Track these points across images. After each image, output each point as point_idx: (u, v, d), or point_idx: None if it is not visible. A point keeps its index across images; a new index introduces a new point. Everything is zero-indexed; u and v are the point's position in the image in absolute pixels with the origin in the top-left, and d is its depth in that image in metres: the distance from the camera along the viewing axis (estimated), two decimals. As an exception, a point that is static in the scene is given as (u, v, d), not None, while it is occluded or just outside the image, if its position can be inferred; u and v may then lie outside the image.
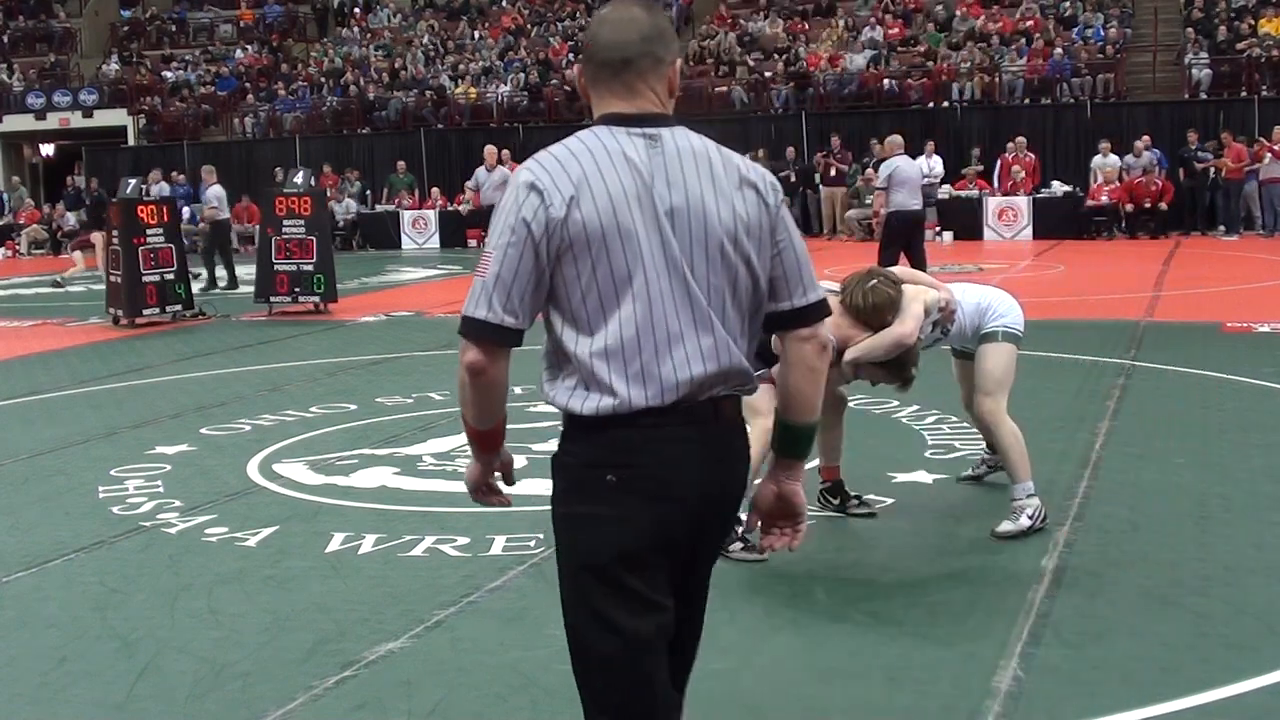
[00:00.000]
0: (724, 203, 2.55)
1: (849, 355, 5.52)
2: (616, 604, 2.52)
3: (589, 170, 2.48)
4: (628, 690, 2.54)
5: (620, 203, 2.47)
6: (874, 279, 5.57)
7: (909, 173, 14.21)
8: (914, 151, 24.44)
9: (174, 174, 28.53)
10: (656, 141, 2.55)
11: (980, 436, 7.46)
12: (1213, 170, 22.57)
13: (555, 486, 2.67)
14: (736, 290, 2.55)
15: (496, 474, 2.81)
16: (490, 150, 22.10)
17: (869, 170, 24.04)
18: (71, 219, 27.29)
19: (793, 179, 24.98)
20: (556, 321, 2.58)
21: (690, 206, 2.52)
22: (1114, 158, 22.99)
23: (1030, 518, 5.55)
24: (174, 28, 37.58)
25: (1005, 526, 5.55)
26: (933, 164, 24.42)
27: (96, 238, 21.40)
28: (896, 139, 14.81)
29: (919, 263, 14.19)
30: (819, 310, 2.63)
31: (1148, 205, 22.35)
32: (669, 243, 2.49)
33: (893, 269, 6.07)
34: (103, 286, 15.60)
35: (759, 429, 4.71)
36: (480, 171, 22.29)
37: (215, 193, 19.30)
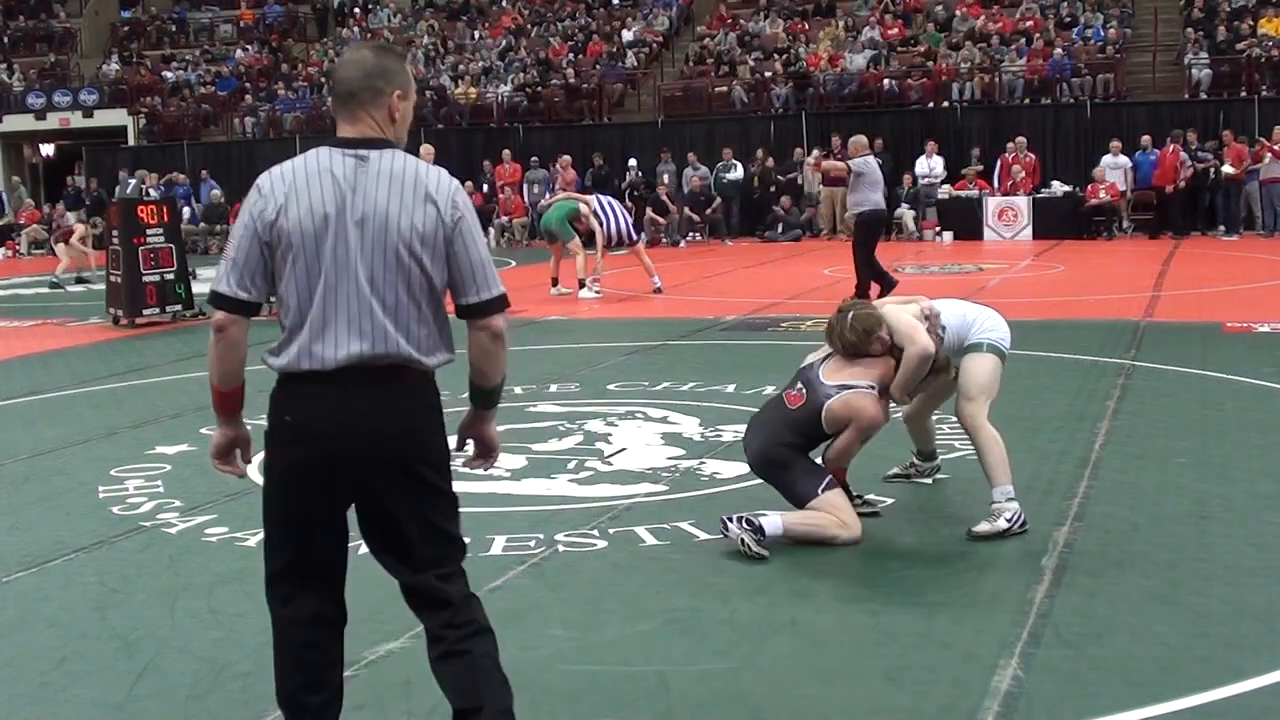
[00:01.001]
0: (405, 215, 3.16)
1: (895, 391, 5.73)
2: (284, 501, 3.33)
3: (299, 183, 3.16)
4: (287, 554, 3.46)
5: (318, 211, 3.13)
6: (847, 312, 5.76)
7: (872, 171, 14.22)
8: (914, 152, 24.61)
9: (174, 174, 28.57)
10: (365, 162, 3.19)
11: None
12: (1213, 170, 22.57)
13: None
14: (410, 286, 3.18)
15: (238, 450, 3.41)
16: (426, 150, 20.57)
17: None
18: (71, 219, 27.30)
19: (800, 180, 25.01)
20: (278, 299, 3.23)
21: (375, 217, 3.14)
22: (1123, 158, 22.97)
23: (1008, 520, 5.54)
24: (174, 28, 37.60)
25: (983, 527, 5.57)
26: (933, 164, 24.45)
27: (78, 228, 21.38)
28: (860, 139, 14.93)
29: (870, 264, 14.02)
30: (489, 306, 3.26)
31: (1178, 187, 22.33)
32: (353, 246, 3.14)
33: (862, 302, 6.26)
34: (102, 286, 15.60)
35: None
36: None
37: None
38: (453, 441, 3.41)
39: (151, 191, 26.24)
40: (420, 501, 3.29)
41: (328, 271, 3.13)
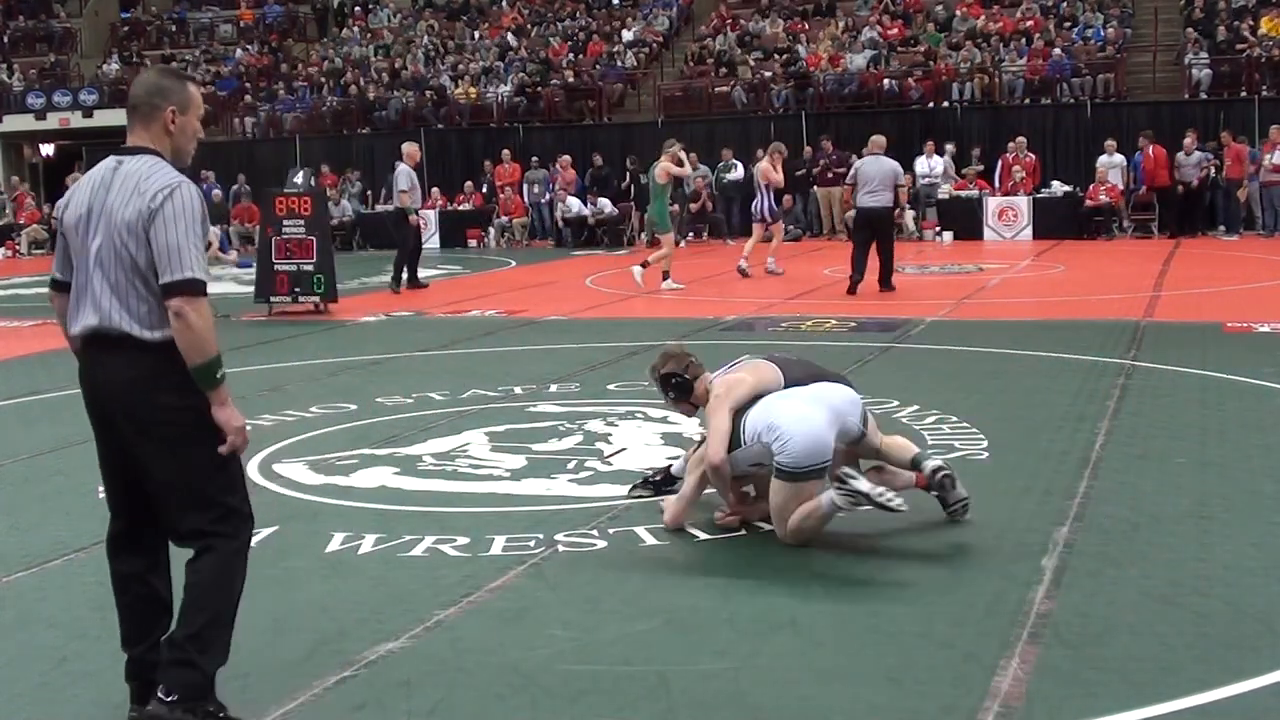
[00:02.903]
0: (123, 209, 3.72)
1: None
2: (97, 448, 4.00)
3: (80, 185, 3.87)
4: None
5: (81, 208, 3.80)
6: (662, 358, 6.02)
7: (868, 171, 14.95)
8: (914, 151, 24.57)
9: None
10: (121, 165, 3.79)
11: (981, 437, 7.48)
12: (1213, 170, 22.57)
13: None
14: (127, 269, 3.72)
15: None
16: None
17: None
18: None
19: (810, 176, 24.98)
20: None
21: (108, 211, 3.74)
22: (1119, 157, 22.98)
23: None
24: (174, 28, 37.59)
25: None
26: (933, 164, 24.44)
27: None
28: (877, 139, 15.58)
29: (884, 260, 15.19)
30: (172, 288, 3.68)
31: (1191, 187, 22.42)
32: (95, 236, 3.76)
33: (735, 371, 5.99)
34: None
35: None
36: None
37: (404, 173, 17.59)
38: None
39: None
40: (161, 456, 3.78)
41: (81, 258, 3.80)
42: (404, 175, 17.56)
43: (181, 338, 3.71)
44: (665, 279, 16.23)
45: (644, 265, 16.27)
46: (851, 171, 15.41)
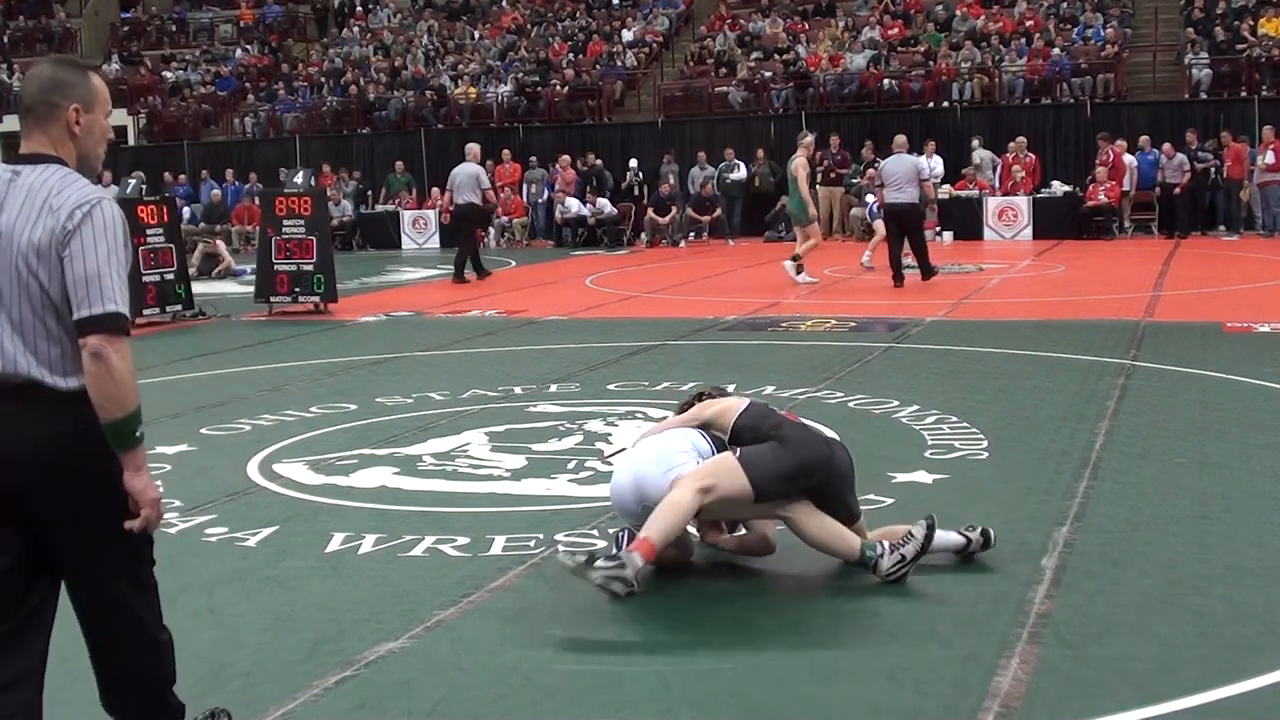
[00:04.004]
0: (26, 230, 3.08)
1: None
2: None
3: None
4: None
5: None
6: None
7: (890, 169, 15.93)
8: (913, 151, 24.50)
9: (174, 176, 28.57)
10: (16, 177, 3.15)
11: (981, 437, 7.48)
12: (1213, 170, 22.57)
13: None
14: (34, 303, 3.07)
15: None
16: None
17: (869, 170, 24.06)
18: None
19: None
20: None
21: (5, 233, 3.09)
22: (1129, 157, 22.94)
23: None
24: (174, 28, 37.59)
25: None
26: (933, 164, 24.42)
27: None
28: (898, 138, 16.70)
29: (917, 251, 16.04)
30: (89, 324, 3.04)
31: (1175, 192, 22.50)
32: None
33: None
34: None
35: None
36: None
37: (467, 171, 18.54)
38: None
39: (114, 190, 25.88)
40: (79, 540, 3.14)
41: None
42: (481, 174, 18.69)
43: (97, 385, 3.03)
44: (800, 272, 16.60)
45: (794, 259, 16.59)
46: (877, 171, 16.56)
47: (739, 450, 4.99)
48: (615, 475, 5.35)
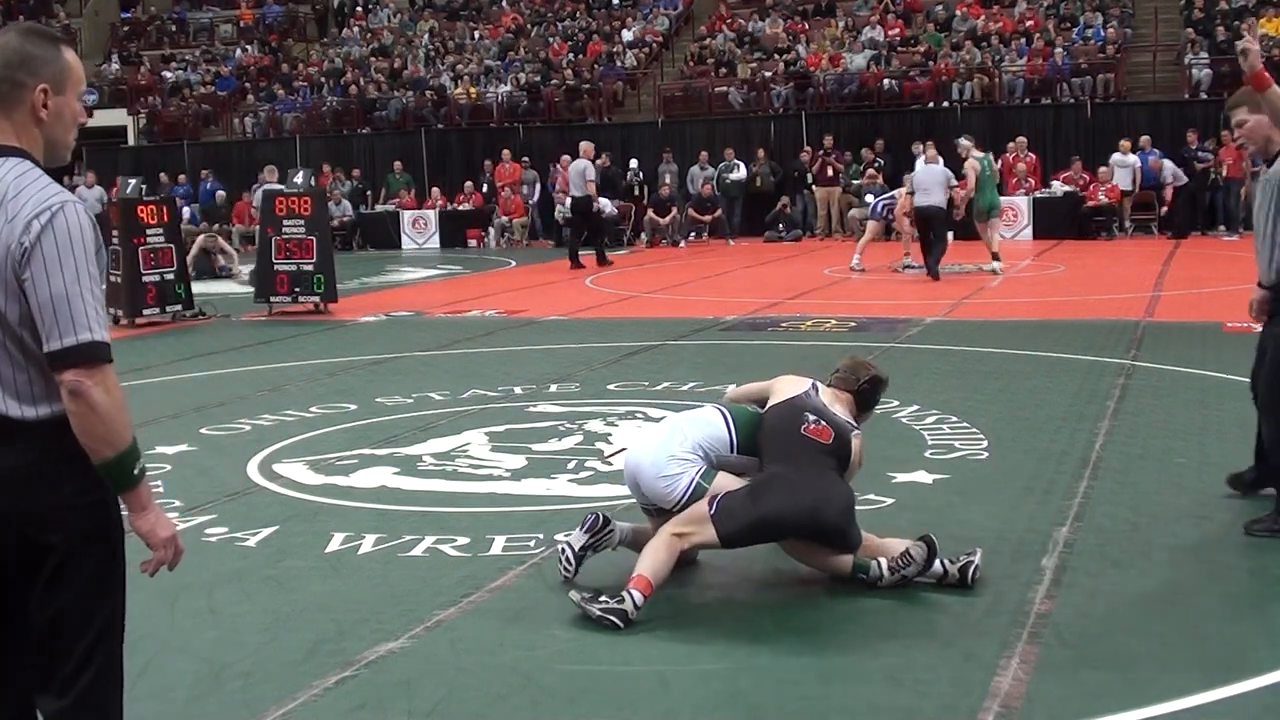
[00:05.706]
0: None
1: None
2: None
3: None
4: None
5: None
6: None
7: (919, 176, 17.11)
8: (912, 152, 24.50)
9: (174, 176, 28.56)
10: None
11: (981, 437, 7.48)
12: (1213, 170, 22.57)
13: None
14: None
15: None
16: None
17: (869, 170, 24.06)
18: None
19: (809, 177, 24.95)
20: None
21: None
22: (1133, 157, 22.94)
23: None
24: (174, 28, 37.58)
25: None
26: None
27: None
28: (930, 151, 17.51)
29: (928, 252, 16.79)
30: (61, 357, 2.63)
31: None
32: None
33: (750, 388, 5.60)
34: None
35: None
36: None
37: (577, 168, 19.87)
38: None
39: (99, 191, 25.72)
40: (50, 588, 2.73)
41: None
42: (590, 169, 19.90)
43: (81, 425, 2.64)
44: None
45: (995, 257, 17.04)
46: (908, 178, 17.93)
47: (714, 505, 4.91)
48: (631, 448, 5.50)
